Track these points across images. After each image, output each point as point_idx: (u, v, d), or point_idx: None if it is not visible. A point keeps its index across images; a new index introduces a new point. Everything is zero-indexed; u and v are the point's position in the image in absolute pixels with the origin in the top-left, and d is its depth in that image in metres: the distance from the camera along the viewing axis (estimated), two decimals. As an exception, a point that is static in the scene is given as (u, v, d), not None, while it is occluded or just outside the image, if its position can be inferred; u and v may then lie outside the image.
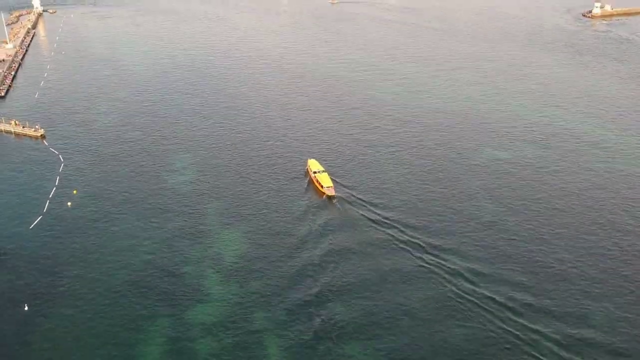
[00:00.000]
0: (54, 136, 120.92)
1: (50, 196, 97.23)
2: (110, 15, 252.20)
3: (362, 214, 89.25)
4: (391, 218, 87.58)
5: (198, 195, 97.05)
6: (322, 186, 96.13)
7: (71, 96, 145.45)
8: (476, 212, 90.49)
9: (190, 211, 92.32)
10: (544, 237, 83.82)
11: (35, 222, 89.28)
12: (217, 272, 77.14)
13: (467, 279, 73.56)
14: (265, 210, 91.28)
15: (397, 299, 70.37)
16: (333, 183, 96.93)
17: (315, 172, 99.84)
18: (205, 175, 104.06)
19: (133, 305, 70.54)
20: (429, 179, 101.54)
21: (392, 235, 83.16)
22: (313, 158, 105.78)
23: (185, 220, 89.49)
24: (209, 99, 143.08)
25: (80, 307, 70.31)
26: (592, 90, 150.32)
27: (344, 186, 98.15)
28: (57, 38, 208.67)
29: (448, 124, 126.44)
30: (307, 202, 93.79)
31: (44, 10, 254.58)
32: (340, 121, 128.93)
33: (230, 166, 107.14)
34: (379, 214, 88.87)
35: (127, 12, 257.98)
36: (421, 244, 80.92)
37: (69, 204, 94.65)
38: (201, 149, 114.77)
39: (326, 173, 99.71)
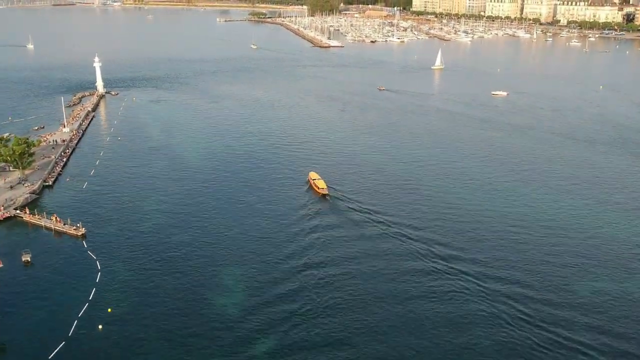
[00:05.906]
0: (95, 237, 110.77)
1: (80, 314, 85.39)
2: (172, 98, 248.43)
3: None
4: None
5: (247, 322, 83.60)
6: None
7: (119, 190, 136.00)
8: None
9: (238, 340, 79.12)
10: None
11: (56, 350, 76.91)
12: None
13: None
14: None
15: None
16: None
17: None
18: (256, 296, 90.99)
19: None
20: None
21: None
22: None
23: (232, 354, 76.16)
24: (259, 201, 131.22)
25: None
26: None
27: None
28: (116, 122, 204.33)
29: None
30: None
31: (106, 92, 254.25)
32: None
33: (279, 284, 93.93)
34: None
35: (191, 97, 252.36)
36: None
37: (100, 327, 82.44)
38: (253, 262, 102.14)
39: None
